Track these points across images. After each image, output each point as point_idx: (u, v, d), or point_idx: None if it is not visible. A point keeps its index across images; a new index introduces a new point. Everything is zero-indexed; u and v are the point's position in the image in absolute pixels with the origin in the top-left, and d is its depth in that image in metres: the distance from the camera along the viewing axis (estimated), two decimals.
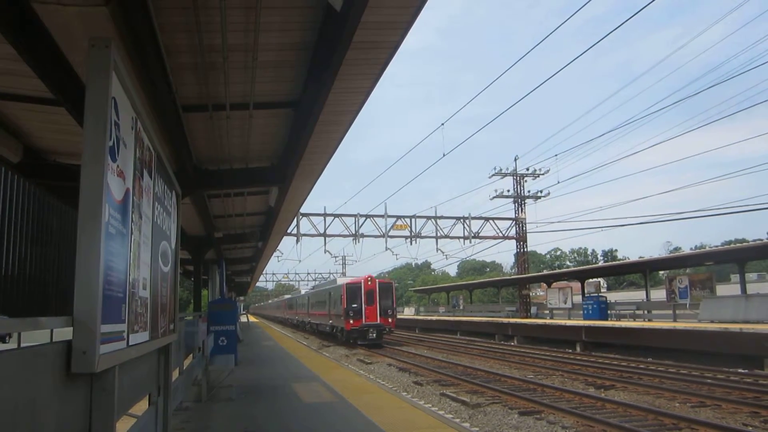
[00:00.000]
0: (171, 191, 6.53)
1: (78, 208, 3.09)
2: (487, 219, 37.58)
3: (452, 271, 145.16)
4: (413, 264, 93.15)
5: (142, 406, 6.08)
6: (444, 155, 23.90)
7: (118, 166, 3.54)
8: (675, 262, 39.73)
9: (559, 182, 75.32)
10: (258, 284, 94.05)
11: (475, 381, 16.84)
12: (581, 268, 51.56)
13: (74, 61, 6.15)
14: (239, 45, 6.79)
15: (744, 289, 28.72)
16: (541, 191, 36.62)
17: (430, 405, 13.13)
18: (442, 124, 22.76)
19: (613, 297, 44.26)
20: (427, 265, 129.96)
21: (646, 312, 33.33)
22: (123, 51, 5.65)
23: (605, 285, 72.07)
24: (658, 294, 37.44)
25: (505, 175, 36.05)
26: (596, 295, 36.71)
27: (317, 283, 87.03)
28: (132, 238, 4.00)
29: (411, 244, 37.69)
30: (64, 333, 3.10)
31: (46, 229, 7.05)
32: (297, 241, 36.16)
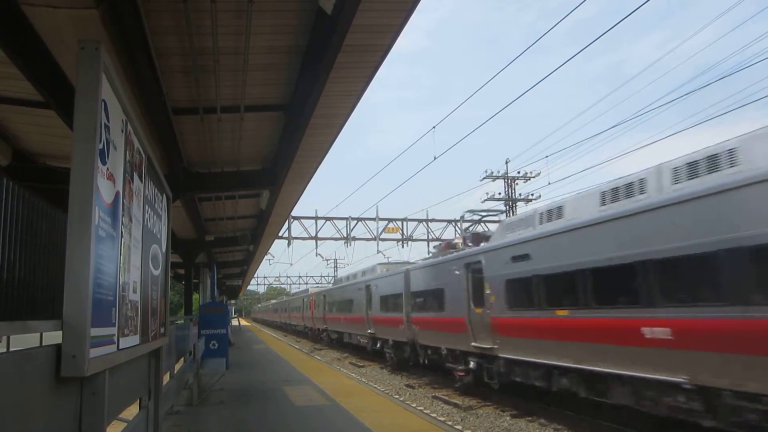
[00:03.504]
0: (161, 194, 6.51)
1: (68, 211, 3.08)
2: (478, 221, 37.59)
3: None
4: None
5: (132, 411, 6.05)
6: (435, 158, 23.87)
7: (107, 168, 3.53)
8: None
9: (549, 184, 75.82)
10: (249, 288, 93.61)
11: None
12: None
13: (64, 63, 6.13)
14: (230, 48, 6.78)
15: None
16: (532, 194, 36.67)
17: (422, 408, 13.12)
18: (434, 127, 22.76)
19: None
20: None
21: None
22: (113, 53, 5.63)
23: None
24: None
25: (496, 177, 36.03)
26: None
27: (305, 285, 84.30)
28: (122, 241, 3.98)
29: (403, 246, 37.62)
30: (54, 337, 3.08)
31: (35, 232, 7.00)
32: (288, 244, 35.88)
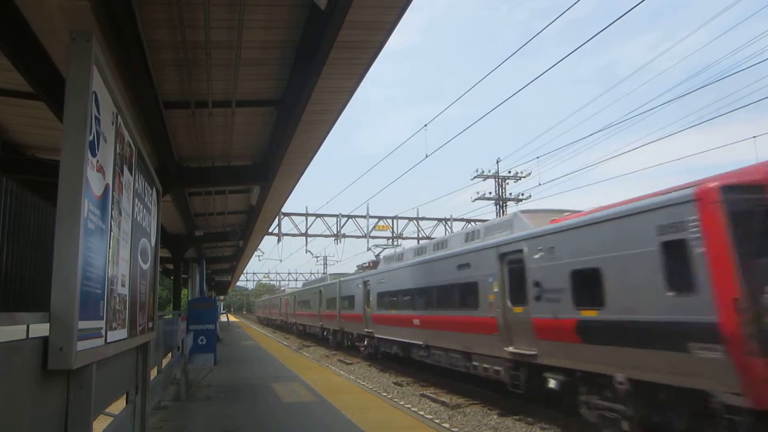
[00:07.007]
0: (151, 188, 6.48)
1: (56, 204, 3.05)
2: (468, 220, 37.65)
3: None
4: None
5: (119, 405, 6.02)
6: (427, 156, 23.85)
7: (97, 161, 3.50)
8: None
9: (540, 184, 76.03)
10: (239, 284, 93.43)
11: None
12: None
13: (55, 54, 6.08)
14: (222, 42, 6.76)
15: None
16: (522, 194, 36.79)
17: (410, 405, 13.14)
18: (425, 125, 22.76)
19: None
20: None
21: None
22: (105, 45, 5.59)
23: None
24: None
25: (487, 177, 36.11)
26: None
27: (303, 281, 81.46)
28: (111, 235, 3.96)
29: (393, 244, 37.66)
30: (41, 330, 3.06)
31: (23, 225, 6.96)
32: (278, 240, 35.74)
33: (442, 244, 17.84)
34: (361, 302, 24.94)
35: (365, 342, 24.65)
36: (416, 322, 18.23)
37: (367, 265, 27.16)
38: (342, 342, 29.47)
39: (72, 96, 3.16)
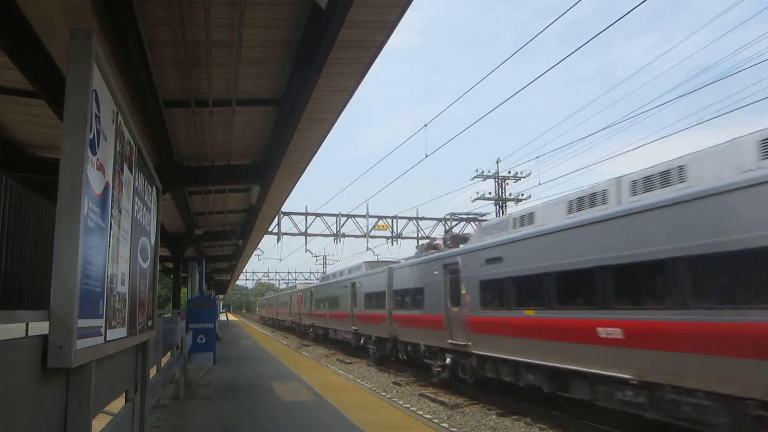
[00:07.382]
0: (151, 186, 6.47)
1: (56, 202, 3.05)
2: (468, 220, 37.68)
3: None
4: None
5: (118, 404, 6.02)
6: (426, 156, 23.87)
7: (98, 159, 3.50)
8: None
9: (540, 184, 76.18)
10: (238, 283, 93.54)
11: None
12: None
13: (55, 52, 6.06)
14: (223, 41, 6.75)
15: None
16: (522, 194, 36.77)
17: (408, 405, 13.14)
18: (425, 125, 22.74)
19: None
20: None
21: None
22: (105, 43, 5.58)
23: None
24: None
25: (487, 177, 36.08)
26: None
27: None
28: (111, 233, 3.95)
29: (392, 244, 37.66)
30: (40, 329, 3.06)
31: (23, 223, 6.95)
32: (278, 239, 35.75)
33: (665, 177, 9.25)
34: (437, 298, 16.65)
35: (447, 360, 16.01)
36: (608, 334, 9.59)
37: (438, 242, 19.29)
38: (391, 355, 21.60)
39: (72, 94, 3.15)
